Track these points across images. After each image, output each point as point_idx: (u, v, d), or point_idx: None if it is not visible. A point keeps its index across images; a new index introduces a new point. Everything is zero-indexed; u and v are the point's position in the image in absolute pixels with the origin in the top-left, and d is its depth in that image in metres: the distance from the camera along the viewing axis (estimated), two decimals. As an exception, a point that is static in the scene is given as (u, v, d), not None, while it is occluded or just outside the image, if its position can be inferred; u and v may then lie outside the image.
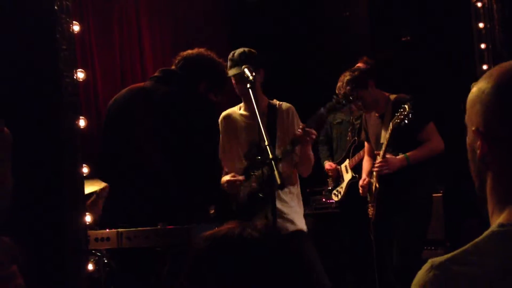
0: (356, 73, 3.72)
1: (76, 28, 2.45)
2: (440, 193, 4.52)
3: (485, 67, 4.27)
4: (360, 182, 3.94)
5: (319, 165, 4.46)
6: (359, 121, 4.46)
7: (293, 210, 3.27)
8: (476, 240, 1.04)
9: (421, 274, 1.03)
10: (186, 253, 1.16)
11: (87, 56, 4.67)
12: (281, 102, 3.40)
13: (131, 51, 5.02)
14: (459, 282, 0.99)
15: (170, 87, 2.76)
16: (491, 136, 1.06)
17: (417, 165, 3.58)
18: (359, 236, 4.32)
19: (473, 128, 1.09)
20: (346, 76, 3.72)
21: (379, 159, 3.65)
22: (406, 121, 3.43)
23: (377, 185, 3.76)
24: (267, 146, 2.55)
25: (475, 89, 1.11)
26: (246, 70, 2.87)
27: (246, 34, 5.32)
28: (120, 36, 4.95)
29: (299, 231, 3.22)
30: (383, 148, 3.63)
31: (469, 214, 4.39)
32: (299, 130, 3.10)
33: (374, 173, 3.75)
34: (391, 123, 3.54)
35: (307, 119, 3.15)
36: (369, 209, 3.82)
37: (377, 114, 3.79)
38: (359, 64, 4.32)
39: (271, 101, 3.38)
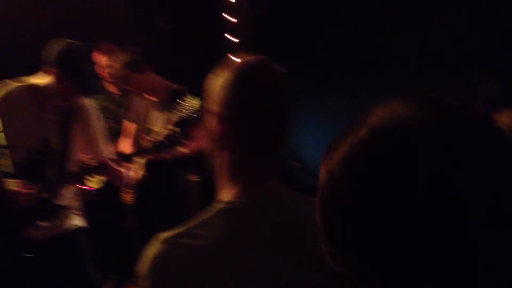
0: (136, 56, 3.72)
1: None
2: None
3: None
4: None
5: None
6: (119, 108, 4.34)
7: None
8: (203, 215, 1.15)
9: (151, 248, 1.11)
10: None
11: None
12: None
13: None
14: (183, 253, 1.09)
15: None
16: (229, 119, 1.18)
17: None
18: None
19: (214, 111, 1.20)
20: (124, 58, 3.71)
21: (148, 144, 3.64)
22: (192, 115, 3.48)
23: (145, 173, 3.76)
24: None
25: (219, 77, 1.21)
26: None
27: None
28: None
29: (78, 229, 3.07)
30: (156, 135, 3.60)
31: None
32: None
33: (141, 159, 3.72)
34: (174, 114, 3.56)
35: None
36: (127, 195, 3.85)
37: (151, 99, 3.78)
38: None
39: None
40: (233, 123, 1.17)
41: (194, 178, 4.02)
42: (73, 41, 2.93)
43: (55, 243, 2.92)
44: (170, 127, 3.28)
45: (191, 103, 3.55)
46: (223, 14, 4.76)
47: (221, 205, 1.15)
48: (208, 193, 4.32)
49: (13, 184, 2.68)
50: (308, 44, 4.76)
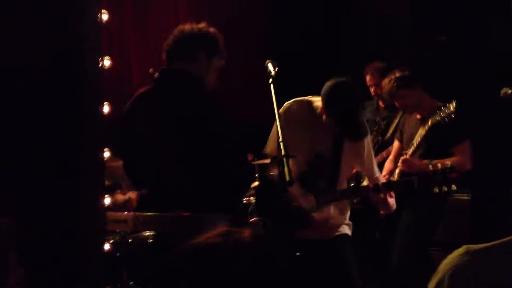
0: (405, 72, 3.76)
1: (104, 17, 2.50)
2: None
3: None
4: None
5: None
6: (384, 122, 4.48)
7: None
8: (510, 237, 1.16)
9: (452, 257, 1.15)
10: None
11: (123, 44, 4.77)
12: None
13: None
14: (484, 267, 1.11)
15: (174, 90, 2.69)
16: None
17: None
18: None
19: None
20: (394, 74, 3.77)
21: (405, 157, 3.69)
22: (446, 119, 3.44)
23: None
24: (280, 143, 2.55)
25: None
26: (270, 65, 2.76)
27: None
28: (158, 25, 5.01)
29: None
30: (414, 146, 3.69)
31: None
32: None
33: (396, 172, 3.76)
34: (430, 120, 3.57)
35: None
36: None
37: (418, 117, 3.80)
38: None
39: None
40: None
41: (458, 196, 3.84)
42: (341, 80, 2.90)
43: (323, 246, 3.11)
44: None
45: (447, 108, 3.44)
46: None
47: None
48: (478, 212, 4.03)
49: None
50: None
